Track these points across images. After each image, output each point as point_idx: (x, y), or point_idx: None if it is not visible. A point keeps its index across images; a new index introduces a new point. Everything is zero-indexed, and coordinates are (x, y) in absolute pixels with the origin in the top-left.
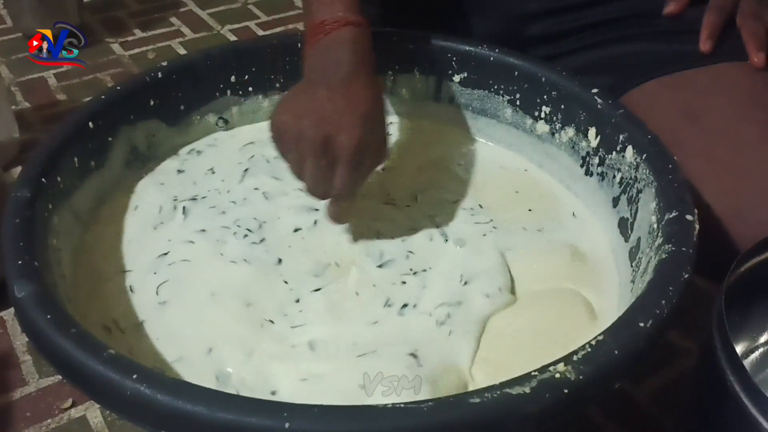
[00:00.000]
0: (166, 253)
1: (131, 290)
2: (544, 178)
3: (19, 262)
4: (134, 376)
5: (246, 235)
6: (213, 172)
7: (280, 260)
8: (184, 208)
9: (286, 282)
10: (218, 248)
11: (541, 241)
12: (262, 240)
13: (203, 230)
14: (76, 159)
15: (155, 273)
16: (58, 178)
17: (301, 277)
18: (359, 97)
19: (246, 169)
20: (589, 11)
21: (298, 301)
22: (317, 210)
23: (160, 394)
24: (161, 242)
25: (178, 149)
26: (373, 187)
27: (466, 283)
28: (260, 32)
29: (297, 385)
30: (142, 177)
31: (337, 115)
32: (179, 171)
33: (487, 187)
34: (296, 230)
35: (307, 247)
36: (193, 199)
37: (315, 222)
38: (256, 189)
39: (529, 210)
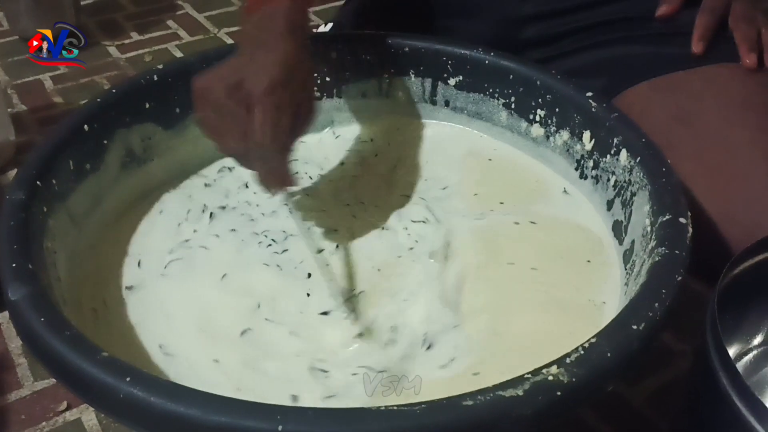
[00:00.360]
0: (187, 240)
1: (138, 265)
2: (537, 167)
3: (14, 264)
4: (128, 379)
5: (269, 245)
6: (246, 186)
7: (309, 275)
8: (211, 213)
9: (308, 294)
10: (244, 247)
11: (537, 237)
12: (285, 251)
13: (233, 230)
14: (71, 162)
15: (171, 252)
16: (53, 181)
17: (325, 295)
18: (280, 53)
19: None
20: (583, 14)
21: (301, 312)
22: (336, 231)
23: (154, 397)
24: (185, 233)
25: (204, 167)
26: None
27: (429, 347)
28: None
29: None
30: (167, 191)
31: (251, 65)
32: (206, 185)
33: (483, 181)
34: (320, 251)
35: (331, 268)
36: (223, 207)
37: (337, 246)
38: (285, 204)
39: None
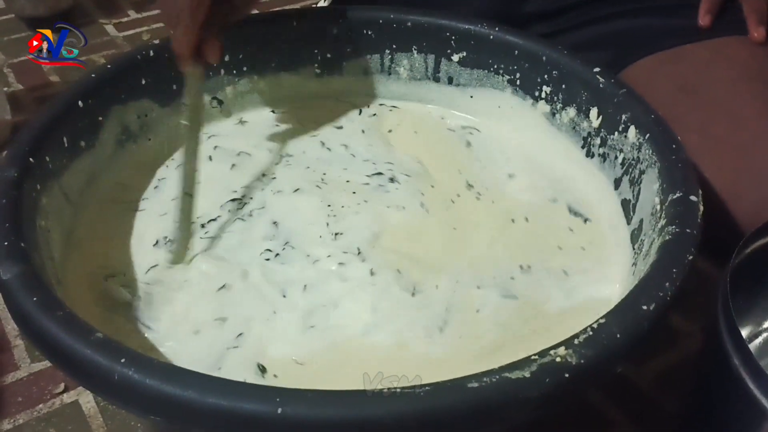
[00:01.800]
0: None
1: None
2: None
3: (5, 243)
4: (122, 360)
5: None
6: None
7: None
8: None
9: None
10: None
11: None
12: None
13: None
14: (65, 138)
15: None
16: (47, 158)
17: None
18: None
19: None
20: None
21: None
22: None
23: (150, 379)
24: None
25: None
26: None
27: None
28: (255, 11)
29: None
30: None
31: None
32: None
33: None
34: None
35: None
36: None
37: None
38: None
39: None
